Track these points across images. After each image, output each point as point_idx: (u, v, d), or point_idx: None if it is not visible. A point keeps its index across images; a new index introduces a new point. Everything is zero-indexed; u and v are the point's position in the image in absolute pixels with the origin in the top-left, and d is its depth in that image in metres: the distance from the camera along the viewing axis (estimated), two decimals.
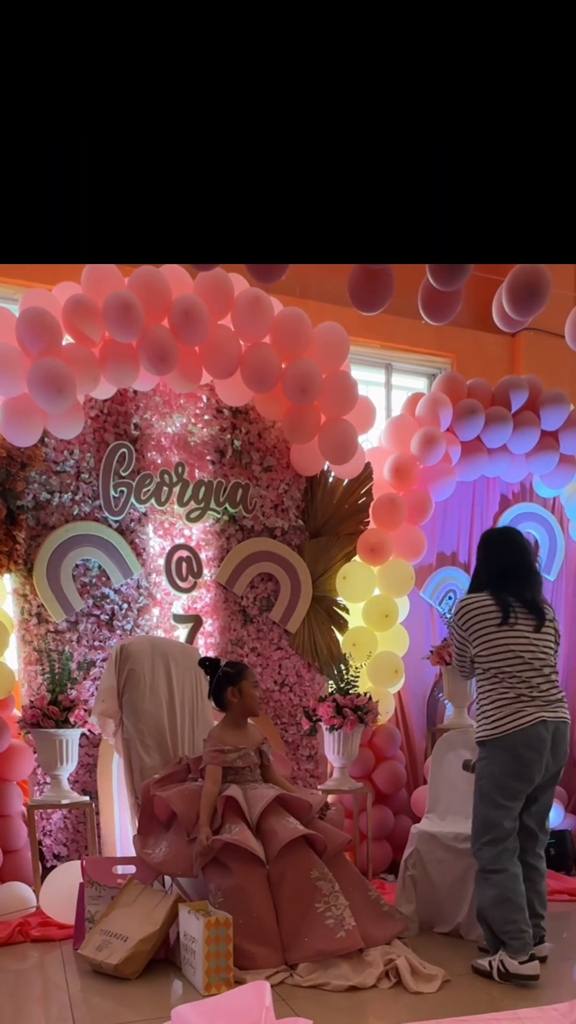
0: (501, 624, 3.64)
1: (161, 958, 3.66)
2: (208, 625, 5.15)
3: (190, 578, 5.11)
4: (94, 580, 4.88)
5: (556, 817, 5.58)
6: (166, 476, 5.06)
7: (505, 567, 3.78)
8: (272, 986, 2.64)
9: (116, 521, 4.94)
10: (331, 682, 5.15)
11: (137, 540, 4.99)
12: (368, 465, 5.47)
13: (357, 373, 5.50)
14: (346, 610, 5.46)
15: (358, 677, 5.02)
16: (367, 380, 6.60)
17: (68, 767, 4.48)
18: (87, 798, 4.56)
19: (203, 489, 5.14)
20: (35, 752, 4.53)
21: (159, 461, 5.06)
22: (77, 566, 4.83)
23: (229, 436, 5.24)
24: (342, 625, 5.44)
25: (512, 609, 3.67)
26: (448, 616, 5.62)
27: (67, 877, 4.18)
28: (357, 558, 5.41)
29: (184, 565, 5.10)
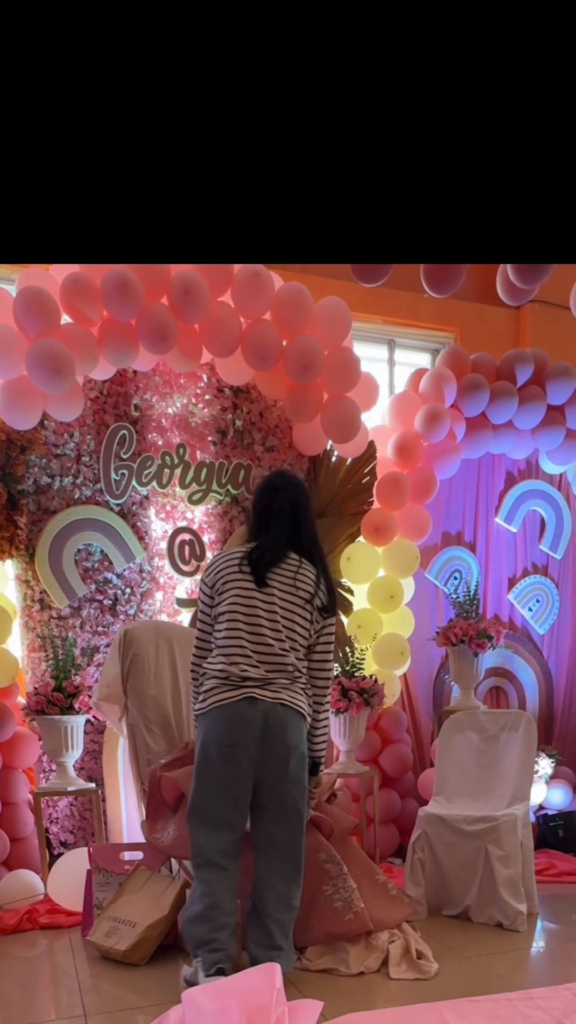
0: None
1: (169, 944, 3.64)
2: None
3: (193, 561, 5.06)
4: (96, 565, 4.83)
5: (564, 798, 5.56)
6: (167, 458, 5.00)
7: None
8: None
9: (117, 505, 4.89)
10: (336, 665, 5.11)
11: (139, 523, 4.94)
12: (372, 443, 5.41)
13: (359, 349, 5.43)
14: (351, 591, 5.42)
15: (363, 659, 5.00)
16: (370, 356, 6.53)
17: (74, 754, 4.47)
18: (93, 785, 4.55)
19: (205, 470, 5.09)
20: (40, 739, 4.52)
21: (160, 443, 5.00)
22: (79, 551, 4.78)
23: (230, 416, 5.18)
24: (347, 607, 5.39)
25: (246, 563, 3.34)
26: (453, 596, 5.58)
27: (74, 864, 4.17)
28: (361, 539, 5.36)
29: (187, 548, 5.06)
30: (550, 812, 5.49)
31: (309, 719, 3.30)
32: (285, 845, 3.23)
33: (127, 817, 4.65)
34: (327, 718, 3.45)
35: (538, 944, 3.84)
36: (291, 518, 3.42)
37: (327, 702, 3.42)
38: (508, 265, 3.67)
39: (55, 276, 4.50)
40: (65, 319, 4.46)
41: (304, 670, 3.31)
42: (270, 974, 2.31)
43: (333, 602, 3.40)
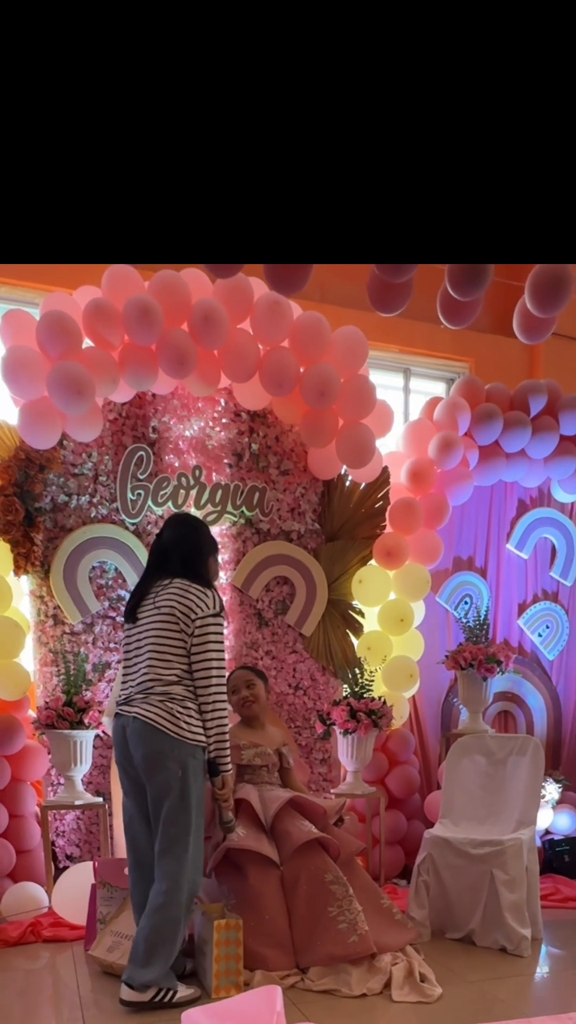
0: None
1: None
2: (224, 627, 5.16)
3: None
4: (110, 582, 4.90)
5: (571, 824, 5.57)
6: (183, 479, 5.08)
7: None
8: (283, 989, 2.65)
9: (133, 524, 4.97)
10: (345, 686, 5.16)
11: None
12: (385, 469, 5.47)
13: (375, 377, 5.49)
14: (361, 614, 5.46)
15: (372, 681, 5.02)
16: (385, 384, 6.60)
17: (82, 768, 4.51)
18: (100, 799, 4.58)
19: (220, 492, 5.16)
20: (49, 753, 4.56)
21: (176, 464, 5.08)
22: (94, 568, 4.85)
23: (247, 439, 5.25)
24: (357, 629, 5.44)
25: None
26: (464, 620, 5.62)
27: (79, 878, 4.20)
28: (373, 562, 5.41)
29: None
30: (556, 837, 5.50)
31: (167, 728, 3.32)
32: (159, 854, 3.34)
33: None
34: (214, 717, 3.40)
35: (542, 970, 3.83)
36: (162, 552, 3.63)
37: (212, 700, 3.40)
38: (526, 293, 3.71)
39: (78, 301, 4.59)
40: (87, 343, 4.55)
41: (169, 680, 3.39)
42: (271, 996, 2.34)
43: (208, 604, 3.45)
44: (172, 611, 3.43)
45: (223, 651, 3.48)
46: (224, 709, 3.44)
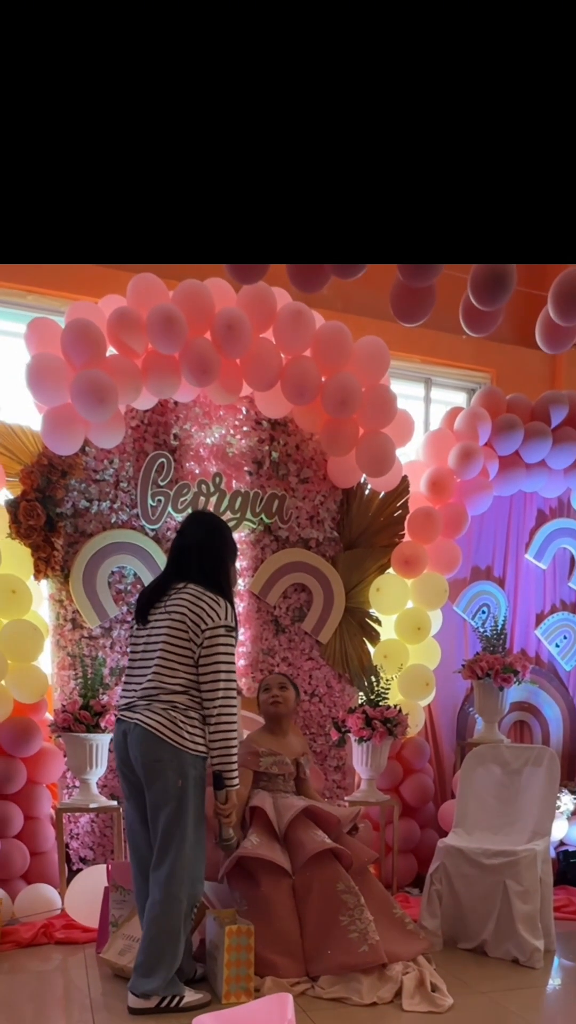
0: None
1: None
2: (240, 634, 5.17)
3: None
4: (129, 587, 4.94)
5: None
6: (204, 486, 5.11)
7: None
8: (293, 997, 2.66)
9: (153, 530, 5.00)
10: (361, 693, 5.17)
11: None
12: (405, 478, 5.48)
13: (396, 387, 5.51)
14: (378, 622, 5.47)
15: (388, 689, 5.04)
16: (406, 394, 6.61)
17: (97, 771, 4.54)
18: (115, 803, 4.59)
19: (240, 499, 5.19)
20: (65, 756, 4.59)
21: (197, 471, 5.11)
22: (113, 573, 4.90)
23: (267, 447, 5.28)
24: (374, 637, 5.45)
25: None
26: (481, 630, 5.62)
27: (93, 880, 4.23)
28: (391, 570, 5.42)
29: None
30: (571, 848, 5.49)
31: (168, 737, 3.30)
32: (154, 865, 3.35)
33: None
34: (220, 729, 3.34)
35: (554, 982, 3.83)
36: (181, 553, 3.59)
37: (217, 712, 3.34)
38: (550, 303, 3.72)
39: (103, 309, 4.64)
40: (111, 351, 4.60)
41: (174, 689, 3.36)
42: (282, 1004, 2.35)
43: (220, 614, 3.40)
44: (183, 618, 3.38)
45: (233, 664, 3.41)
46: (232, 723, 3.37)
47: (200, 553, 3.54)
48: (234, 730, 3.39)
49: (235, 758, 3.41)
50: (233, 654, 3.43)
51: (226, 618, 3.40)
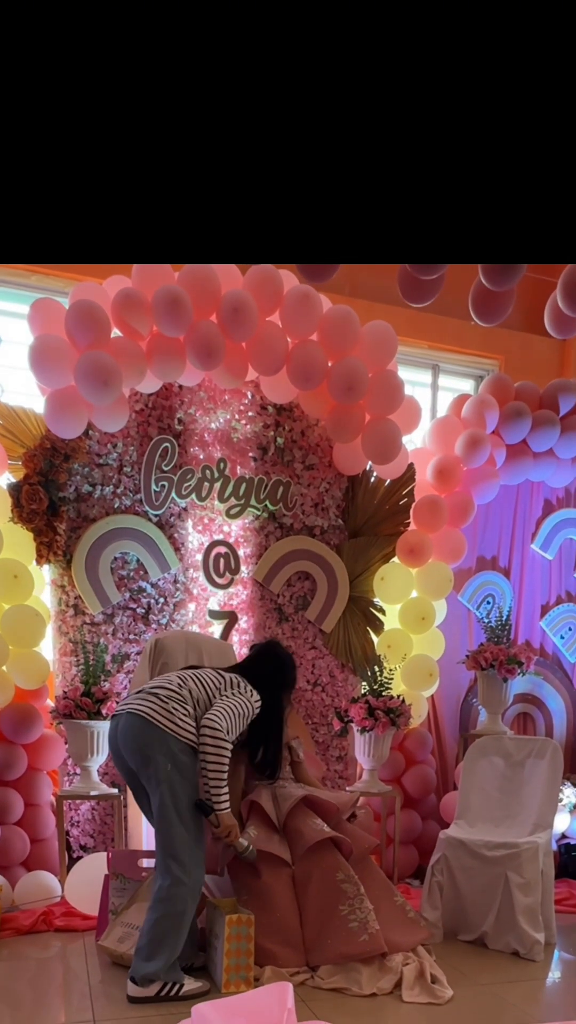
0: None
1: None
2: (243, 622, 5.16)
3: (227, 574, 5.12)
4: (132, 573, 4.90)
5: None
6: (208, 471, 5.07)
7: None
8: (293, 987, 2.65)
9: (156, 515, 4.96)
10: (364, 683, 5.14)
11: (176, 535, 5.00)
12: (411, 466, 5.44)
13: (404, 373, 5.45)
14: (382, 611, 5.44)
15: (392, 679, 5.01)
16: (414, 380, 6.57)
17: (98, 759, 4.52)
18: (116, 791, 4.59)
19: (244, 485, 5.15)
20: (66, 743, 4.58)
21: (201, 456, 5.07)
22: (115, 559, 4.86)
23: (272, 433, 5.24)
24: (378, 626, 5.42)
25: None
26: (485, 620, 5.58)
27: (93, 868, 4.21)
28: (396, 559, 5.38)
29: (222, 561, 5.12)
30: (572, 842, 5.46)
31: (158, 720, 3.36)
32: (156, 849, 3.42)
33: (147, 824, 4.69)
34: (212, 761, 3.36)
35: (554, 975, 3.83)
36: (252, 659, 3.97)
37: (214, 743, 3.36)
38: (558, 292, 3.68)
39: (108, 290, 4.59)
40: (115, 333, 4.54)
41: (181, 696, 3.46)
42: (282, 993, 2.33)
43: (249, 691, 3.60)
44: (219, 686, 3.56)
45: (242, 718, 3.51)
46: (225, 759, 3.39)
47: (265, 668, 3.84)
48: (226, 767, 3.42)
49: (225, 791, 3.43)
50: (245, 716, 3.54)
51: (252, 696, 3.58)
